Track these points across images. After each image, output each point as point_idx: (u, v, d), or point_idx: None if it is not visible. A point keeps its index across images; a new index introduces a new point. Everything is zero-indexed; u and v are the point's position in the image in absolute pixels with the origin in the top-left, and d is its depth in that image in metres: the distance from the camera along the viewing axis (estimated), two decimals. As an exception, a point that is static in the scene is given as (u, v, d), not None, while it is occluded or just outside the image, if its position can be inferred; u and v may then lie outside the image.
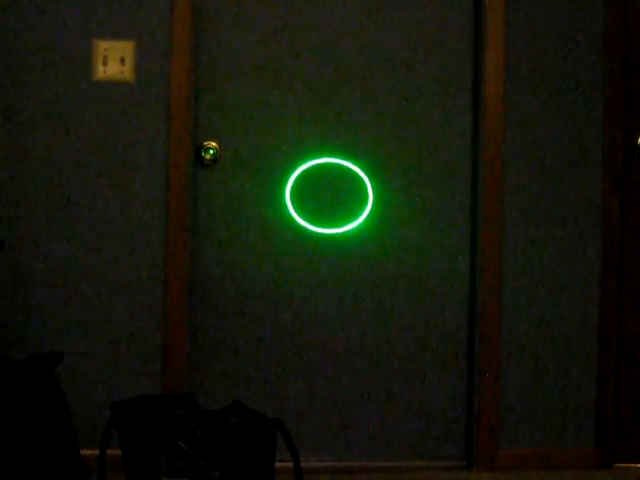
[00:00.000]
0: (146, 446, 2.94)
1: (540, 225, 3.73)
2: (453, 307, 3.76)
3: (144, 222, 3.58)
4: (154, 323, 3.59)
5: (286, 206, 3.69)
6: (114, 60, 3.56)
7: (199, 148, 3.64)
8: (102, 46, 3.56)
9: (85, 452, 3.17)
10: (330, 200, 3.71)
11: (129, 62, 3.56)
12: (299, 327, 3.71)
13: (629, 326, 3.81)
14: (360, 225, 3.71)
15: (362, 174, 3.71)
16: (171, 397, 3.23)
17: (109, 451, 3.09)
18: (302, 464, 3.03)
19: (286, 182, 3.68)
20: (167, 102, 3.57)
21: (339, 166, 3.71)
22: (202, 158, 3.63)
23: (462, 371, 3.77)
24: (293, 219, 3.69)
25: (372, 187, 3.72)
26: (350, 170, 3.71)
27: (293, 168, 3.68)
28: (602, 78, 3.73)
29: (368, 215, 3.72)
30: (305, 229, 3.70)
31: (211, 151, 3.63)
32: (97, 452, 3.09)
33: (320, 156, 3.69)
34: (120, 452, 3.05)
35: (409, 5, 3.71)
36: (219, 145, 3.65)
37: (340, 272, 3.72)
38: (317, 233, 3.71)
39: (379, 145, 3.72)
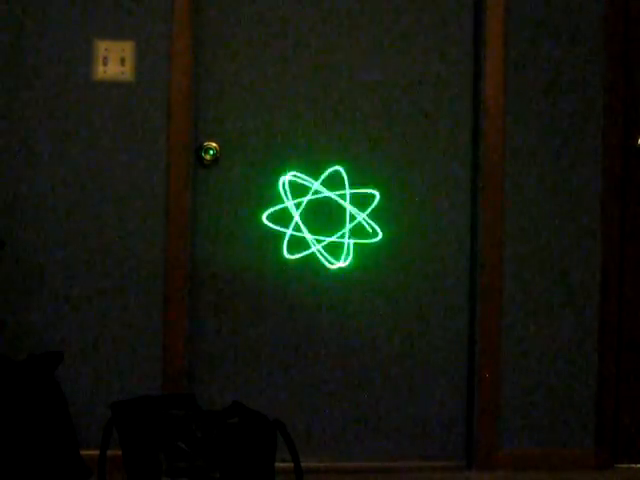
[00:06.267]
0: (146, 446, 2.94)
1: (539, 226, 3.73)
2: (455, 308, 3.76)
3: (144, 222, 3.58)
4: (154, 323, 3.59)
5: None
6: (114, 60, 3.55)
7: (199, 148, 3.64)
8: (102, 46, 3.55)
9: (85, 452, 3.16)
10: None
11: (129, 62, 3.56)
12: (301, 327, 3.71)
13: (629, 326, 3.81)
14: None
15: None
16: (171, 397, 3.23)
17: (109, 451, 3.09)
18: (302, 464, 3.03)
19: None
20: (167, 102, 3.57)
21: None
22: (202, 158, 3.63)
23: (462, 371, 3.77)
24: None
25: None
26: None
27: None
28: (602, 78, 3.73)
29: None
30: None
31: (211, 151, 3.63)
32: (97, 452, 3.09)
33: (323, 158, 3.70)
34: (120, 452, 3.05)
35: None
36: (219, 145, 3.65)
37: (342, 274, 3.73)
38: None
39: (385, 152, 3.72)
